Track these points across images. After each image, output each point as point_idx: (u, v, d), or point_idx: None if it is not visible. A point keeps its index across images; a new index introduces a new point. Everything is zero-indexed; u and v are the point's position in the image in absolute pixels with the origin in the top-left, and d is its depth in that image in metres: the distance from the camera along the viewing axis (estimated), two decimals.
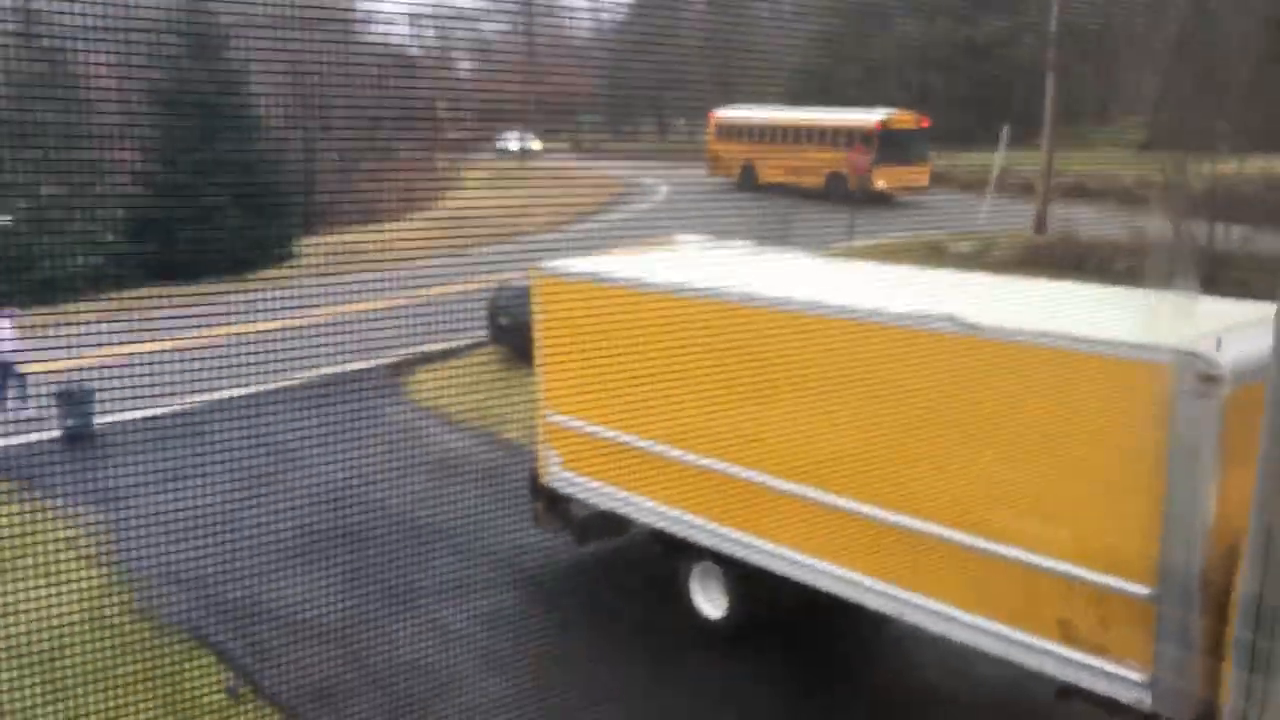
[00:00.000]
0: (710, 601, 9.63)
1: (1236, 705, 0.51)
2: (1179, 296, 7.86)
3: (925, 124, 30.39)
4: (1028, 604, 7.19)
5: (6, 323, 15.45)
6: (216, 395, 16.58)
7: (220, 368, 17.71)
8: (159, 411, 15.98)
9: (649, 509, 9.57)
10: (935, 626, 7.85)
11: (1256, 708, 0.49)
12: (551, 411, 10.27)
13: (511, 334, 16.21)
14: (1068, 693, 7.21)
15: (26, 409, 15.26)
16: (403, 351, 17.87)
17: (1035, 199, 24.17)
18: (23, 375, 15.36)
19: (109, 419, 15.13)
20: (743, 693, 8.85)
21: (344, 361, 17.77)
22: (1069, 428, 6.89)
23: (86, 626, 9.77)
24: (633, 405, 9.33)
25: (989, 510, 7.33)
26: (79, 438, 14.36)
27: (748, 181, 32.58)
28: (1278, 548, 0.47)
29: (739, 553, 8.90)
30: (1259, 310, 6.50)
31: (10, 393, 15.42)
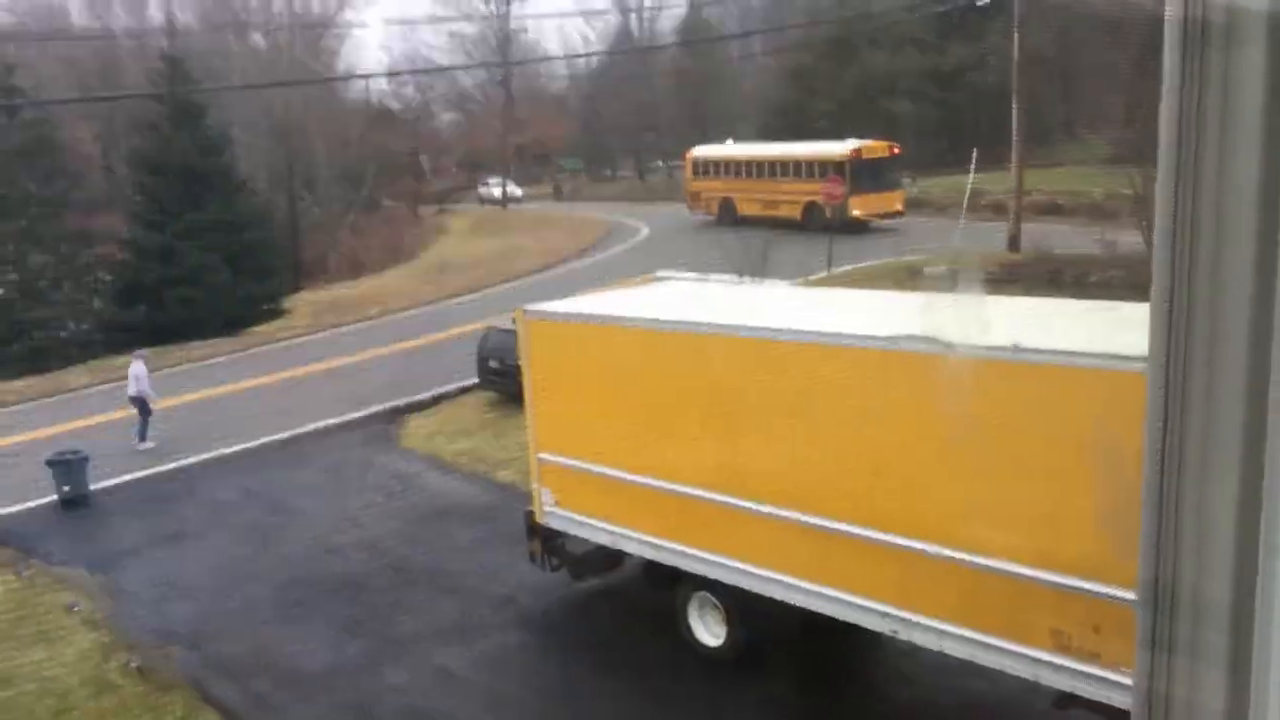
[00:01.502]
0: (708, 630, 9.73)
1: (1142, 682, 0.61)
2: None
3: (896, 151, 30.91)
4: (1020, 616, 7.32)
5: (140, 363, 17.02)
6: (212, 454, 16.69)
7: (214, 425, 17.73)
8: (154, 471, 16.09)
9: (643, 541, 9.71)
10: (931, 643, 7.97)
11: (1162, 684, 0.60)
12: (543, 451, 10.42)
13: (501, 377, 16.37)
14: (1065, 702, 7.33)
15: (148, 443, 16.81)
16: (395, 401, 18.03)
17: (1008, 218, 24.58)
18: (151, 412, 16.97)
19: (108, 482, 15.27)
20: (745, 716, 8.95)
21: (336, 414, 17.89)
22: (1054, 439, 7.06)
23: (87, 690, 9.84)
24: (622, 440, 9.50)
25: (977, 525, 7.47)
26: (74, 503, 14.49)
27: (727, 216, 32.99)
28: (1168, 531, 0.58)
29: (734, 580, 9.02)
30: None
31: (145, 424, 16.98)
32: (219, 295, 24.71)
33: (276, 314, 25.16)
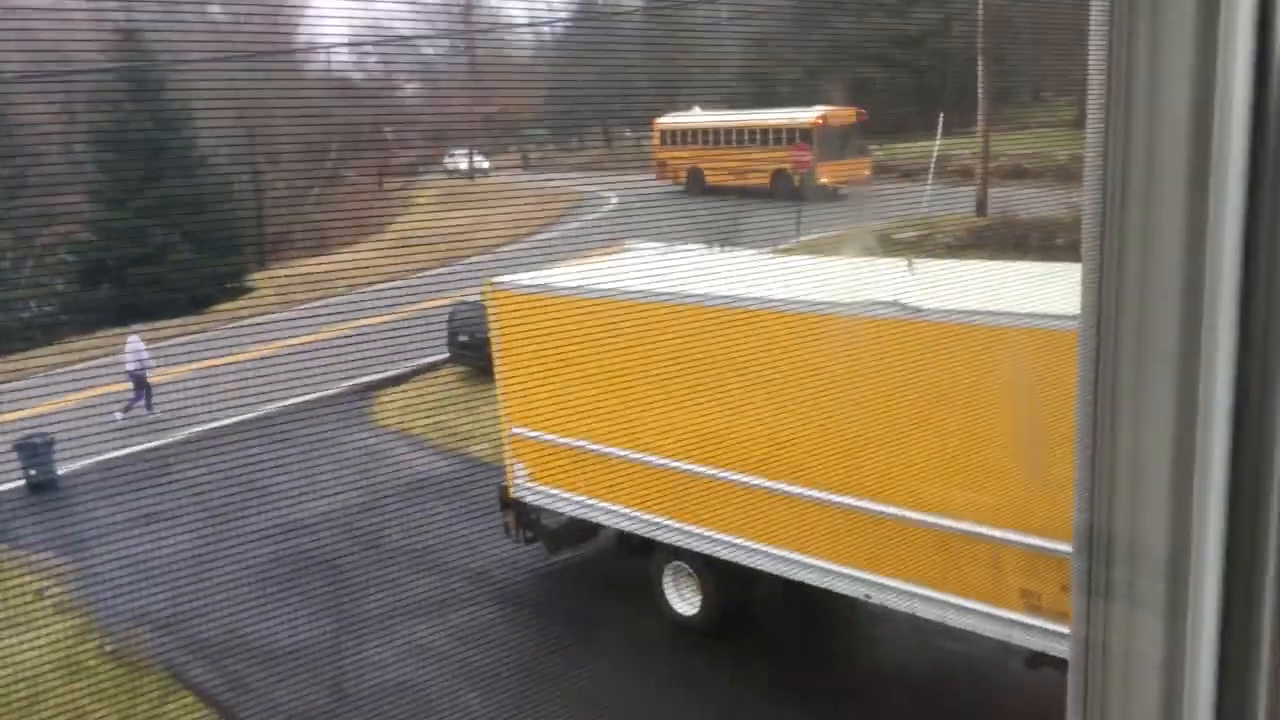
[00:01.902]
0: (683, 599, 9.82)
1: (1079, 630, 0.62)
2: None
3: (863, 117, 30.94)
4: (991, 577, 7.44)
5: (137, 339, 17.36)
6: (182, 434, 16.55)
7: (183, 405, 17.62)
8: (125, 453, 15.95)
9: (617, 513, 9.76)
10: (903, 606, 8.09)
11: (1099, 630, 0.60)
12: (515, 425, 10.42)
13: (472, 351, 16.34)
14: (1037, 660, 7.46)
15: (151, 413, 17.16)
16: (364, 377, 17.94)
17: (974, 183, 24.70)
18: (149, 385, 17.27)
19: (73, 466, 15.13)
20: (722, 685, 9.04)
21: (306, 390, 17.81)
22: (1022, 401, 7.14)
23: (61, 674, 9.79)
24: (594, 412, 9.51)
25: (947, 488, 7.57)
26: (42, 486, 14.37)
27: (695, 185, 32.94)
28: (1102, 480, 0.59)
29: (707, 549, 9.10)
30: None
31: (141, 398, 17.29)
32: (183, 273, 24.45)
33: (242, 291, 24.91)
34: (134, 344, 17.13)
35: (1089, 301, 0.67)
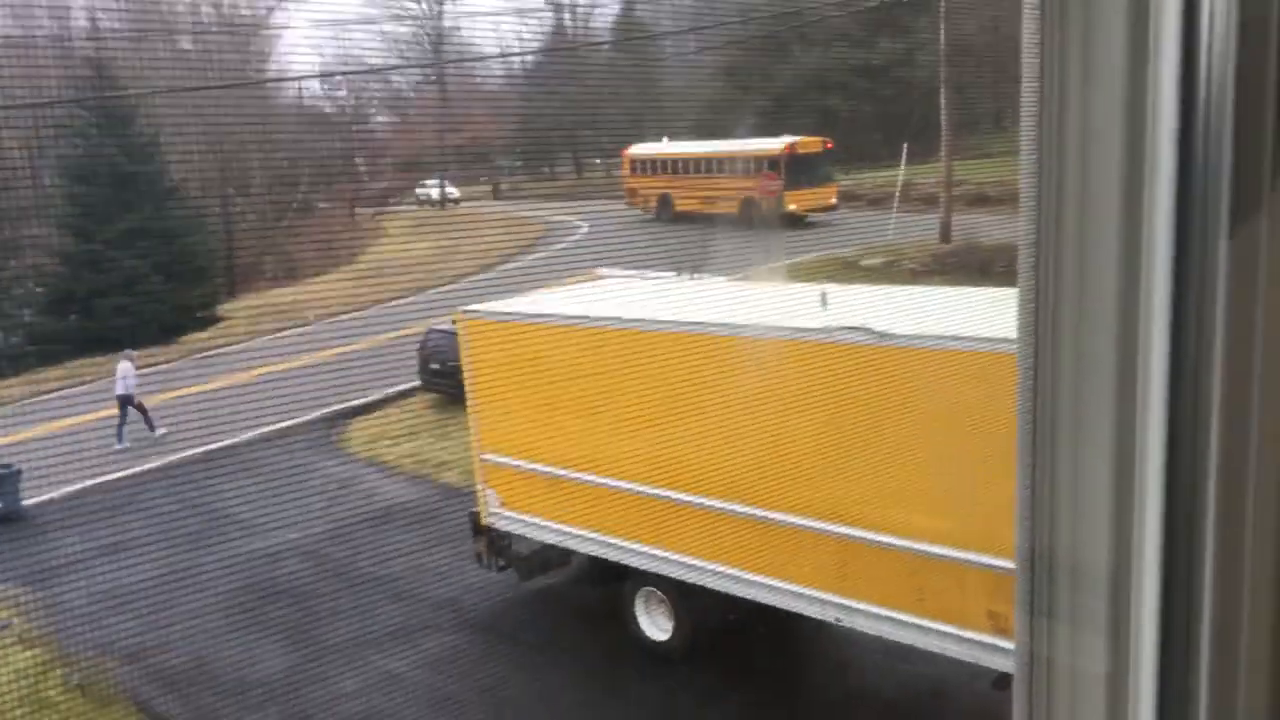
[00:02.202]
0: (655, 624, 9.83)
1: (1023, 648, 0.66)
2: None
3: (829, 146, 31.29)
4: (958, 600, 7.51)
5: (127, 363, 17.22)
6: (151, 464, 16.41)
7: (150, 434, 17.42)
8: (92, 483, 15.77)
9: (588, 539, 9.77)
10: (872, 629, 8.15)
11: (1043, 648, 0.64)
12: (486, 451, 10.43)
13: (443, 378, 16.31)
14: (1004, 681, 7.52)
15: (155, 433, 17.08)
16: (335, 405, 17.84)
17: (939, 209, 25.02)
18: (143, 407, 17.22)
19: (45, 496, 14.92)
20: (695, 709, 9.05)
21: (277, 419, 17.70)
22: (985, 425, 7.24)
23: (26, 708, 9.63)
24: (565, 438, 9.55)
25: (914, 512, 7.65)
26: (7, 519, 14.16)
27: (665, 213, 33.14)
28: (1041, 499, 0.62)
29: (678, 574, 9.13)
30: None
31: (128, 419, 17.20)
32: (152, 303, 24.25)
33: (212, 321, 24.74)
34: (125, 368, 17.11)
35: (1026, 326, 0.72)
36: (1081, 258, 0.68)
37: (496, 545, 10.61)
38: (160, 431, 16.96)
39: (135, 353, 18.43)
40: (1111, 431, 0.69)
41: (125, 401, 16.83)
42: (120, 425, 16.82)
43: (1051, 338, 0.70)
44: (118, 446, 16.69)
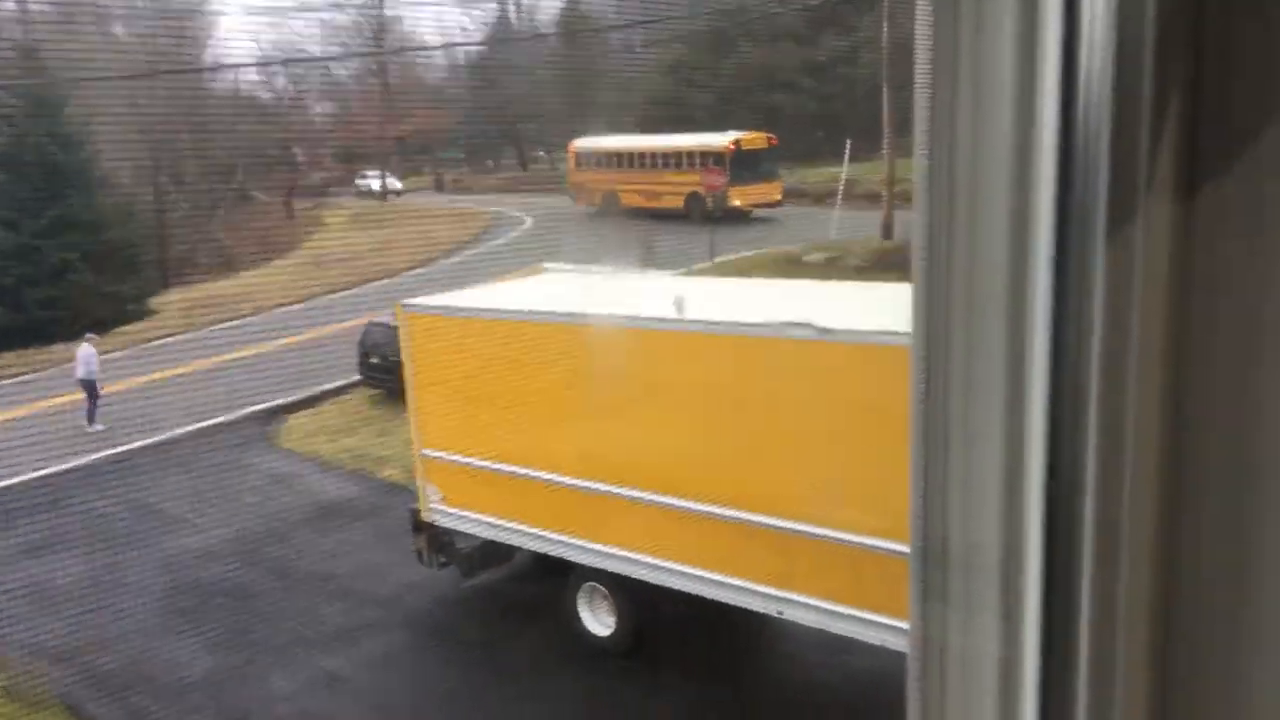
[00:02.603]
0: (598, 620, 9.84)
1: (916, 632, 0.68)
2: None
3: (774, 143, 31.55)
4: (899, 592, 7.61)
5: (88, 345, 17.15)
6: (79, 461, 16.02)
7: (81, 431, 17.08)
8: (17, 480, 15.38)
9: (530, 534, 9.74)
10: (813, 621, 8.24)
11: (938, 632, 0.65)
12: (427, 447, 10.34)
13: (383, 373, 16.15)
14: None
15: (98, 425, 16.92)
16: (272, 400, 17.58)
17: (881, 206, 25.35)
18: (99, 394, 17.04)
19: None
20: (638, 704, 9.08)
21: (212, 414, 17.40)
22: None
23: None
24: (506, 434, 9.51)
25: (855, 505, 7.75)
26: None
27: (610, 207, 33.15)
28: (934, 490, 0.64)
29: (620, 569, 9.14)
30: None
31: (95, 404, 17.07)
32: (82, 295, 23.70)
33: (145, 313, 24.26)
34: (86, 351, 17.04)
35: (919, 322, 0.74)
36: (972, 256, 0.70)
37: (437, 542, 10.54)
38: (98, 427, 16.75)
39: (96, 336, 18.32)
40: (1000, 424, 0.71)
41: (89, 386, 16.81)
42: (91, 409, 16.82)
43: (944, 334, 0.71)
44: (90, 429, 16.69)
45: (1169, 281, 0.67)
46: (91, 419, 16.85)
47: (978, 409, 0.72)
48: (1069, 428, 0.69)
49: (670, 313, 8.57)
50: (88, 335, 17.62)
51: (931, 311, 0.72)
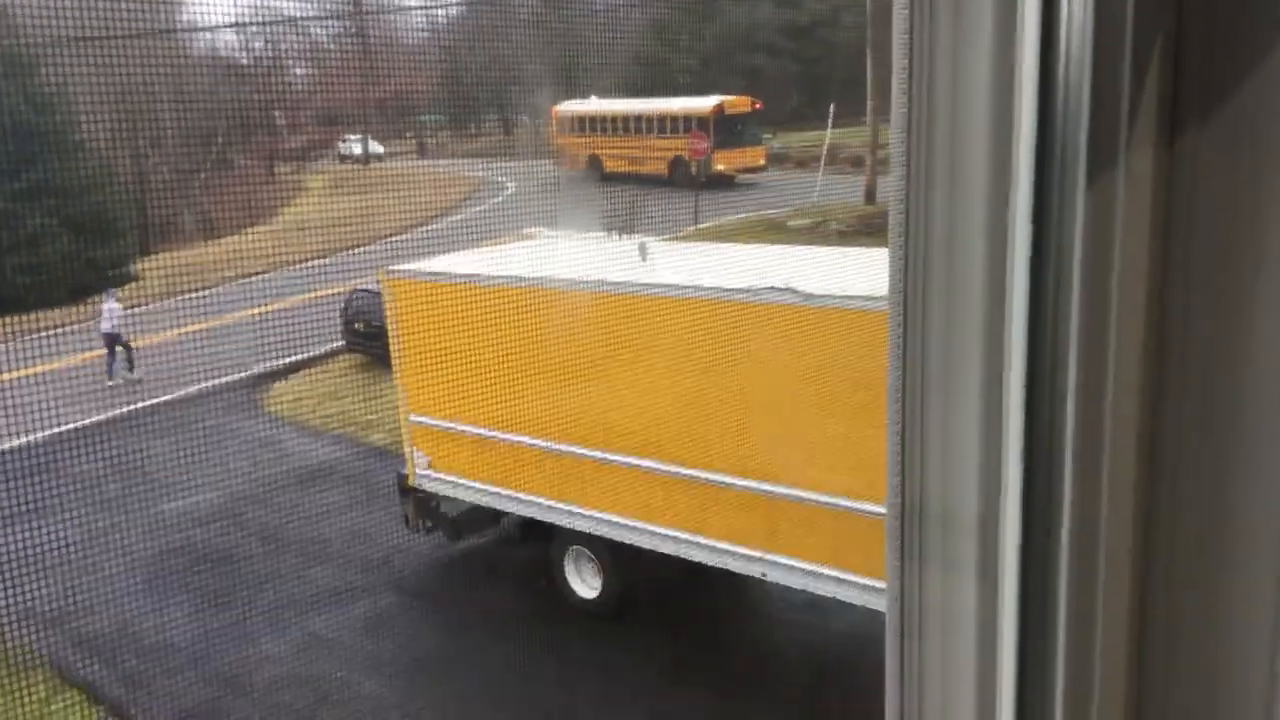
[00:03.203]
0: (585, 583, 9.91)
1: (894, 589, 0.68)
2: None
3: (758, 107, 31.35)
4: (881, 554, 7.69)
5: (112, 300, 17.31)
6: (67, 425, 15.95)
7: (69, 395, 16.97)
8: (10, 446, 15.33)
9: (517, 499, 9.78)
10: (798, 583, 8.32)
11: (915, 589, 0.66)
12: (414, 413, 10.35)
13: (368, 339, 16.11)
14: None
15: (133, 375, 17.21)
16: (257, 367, 17.52)
17: (865, 172, 25.29)
18: (129, 346, 17.28)
19: None
20: (626, 667, 9.17)
21: (196, 380, 17.36)
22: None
23: None
24: (493, 399, 9.51)
25: (838, 468, 7.80)
26: None
27: (594, 172, 32.94)
28: (912, 450, 0.64)
29: (606, 533, 9.20)
30: None
31: (118, 360, 17.27)
32: (61, 262, 23.47)
33: (126, 279, 24.03)
34: (109, 305, 17.14)
35: (896, 282, 0.74)
36: (950, 214, 0.70)
37: (424, 507, 10.57)
38: (117, 381, 17.02)
39: (118, 290, 18.61)
40: (979, 383, 0.71)
41: (112, 339, 16.96)
42: (110, 363, 16.97)
43: (921, 293, 0.72)
44: (109, 383, 16.81)
45: (1150, 230, 0.67)
46: (111, 373, 17.04)
47: (956, 367, 0.72)
48: (1048, 384, 0.70)
49: (635, 258, 8.58)
50: (110, 290, 17.85)
51: (909, 269, 0.73)
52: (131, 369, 17.19)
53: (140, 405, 16.19)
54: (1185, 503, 0.72)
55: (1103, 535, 0.71)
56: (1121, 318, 0.68)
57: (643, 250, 8.62)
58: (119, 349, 17.17)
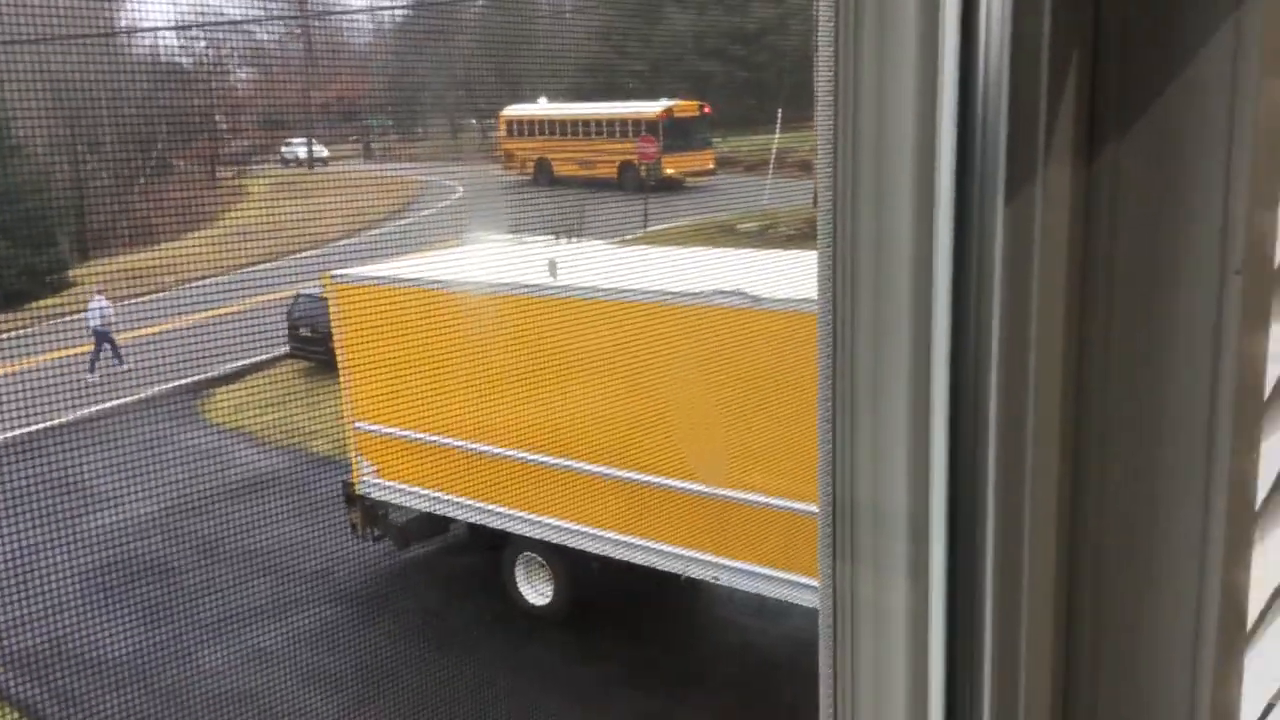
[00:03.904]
0: (535, 590, 9.86)
1: (826, 588, 0.69)
2: None
3: (707, 111, 31.51)
4: None
5: (102, 298, 17.34)
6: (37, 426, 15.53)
7: (121, 369, 16.53)
8: None
9: (466, 506, 9.72)
10: (749, 586, 8.36)
11: (847, 588, 0.67)
12: (359, 419, 10.23)
13: (312, 345, 15.93)
14: None
15: (122, 366, 17.11)
16: (198, 373, 17.22)
17: (813, 175, 25.51)
18: (116, 344, 17.27)
19: None
20: (578, 673, 9.13)
21: (135, 389, 17.04)
22: None
23: None
24: (439, 405, 9.44)
25: (787, 472, 7.85)
26: None
27: (542, 176, 32.88)
28: (843, 450, 0.65)
29: (556, 538, 9.17)
30: None
31: (105, 353, 17.22)
32: None
33: (63, 286, 23.52)
34: (97, 300, 17.09)
35: (825, 288, 0.75)
36: (878, 220, 0.71)
37: (372, 515, 10.46)
38: (96, 376, 17.03)
39: (105, 289, 18.64)
40: (908, 385, 0.73)
41: (100, 336, 17.07)
42: (95, 358, 16.97)
43: (851, 299, 0.73)
44: (90, 377, 16.64)
45: (1069, 241, 0.69)
46: (93, 368, 17.00)
47: (885, 369, 0.74)
48: (971, 386, 0.72)
49: (545, 276, 8.63)
50: (99, 287, 17.94)
51: (838, 275, 0.74)
52: (120, 362, 17.24)
53: (73, 416, 15.84)
54: (1108, 506, 0.73)
55: (1027, 535, 0.73)
56: (1042, 324, 0.69)
57: (552, 268, 8.68)
58: (106, 345, 17.27)
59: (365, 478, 10.37)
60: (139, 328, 18.20)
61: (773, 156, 22.19)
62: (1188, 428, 0.69)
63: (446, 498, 9.81)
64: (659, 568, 8.68)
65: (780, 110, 22.89)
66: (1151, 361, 0.69)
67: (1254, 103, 0.65)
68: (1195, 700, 0.73)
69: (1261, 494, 0.73)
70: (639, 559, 8.74)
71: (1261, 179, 0.66)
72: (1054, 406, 0.71)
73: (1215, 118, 0.66)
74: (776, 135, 22.90)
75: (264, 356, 17.61)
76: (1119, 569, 0.75)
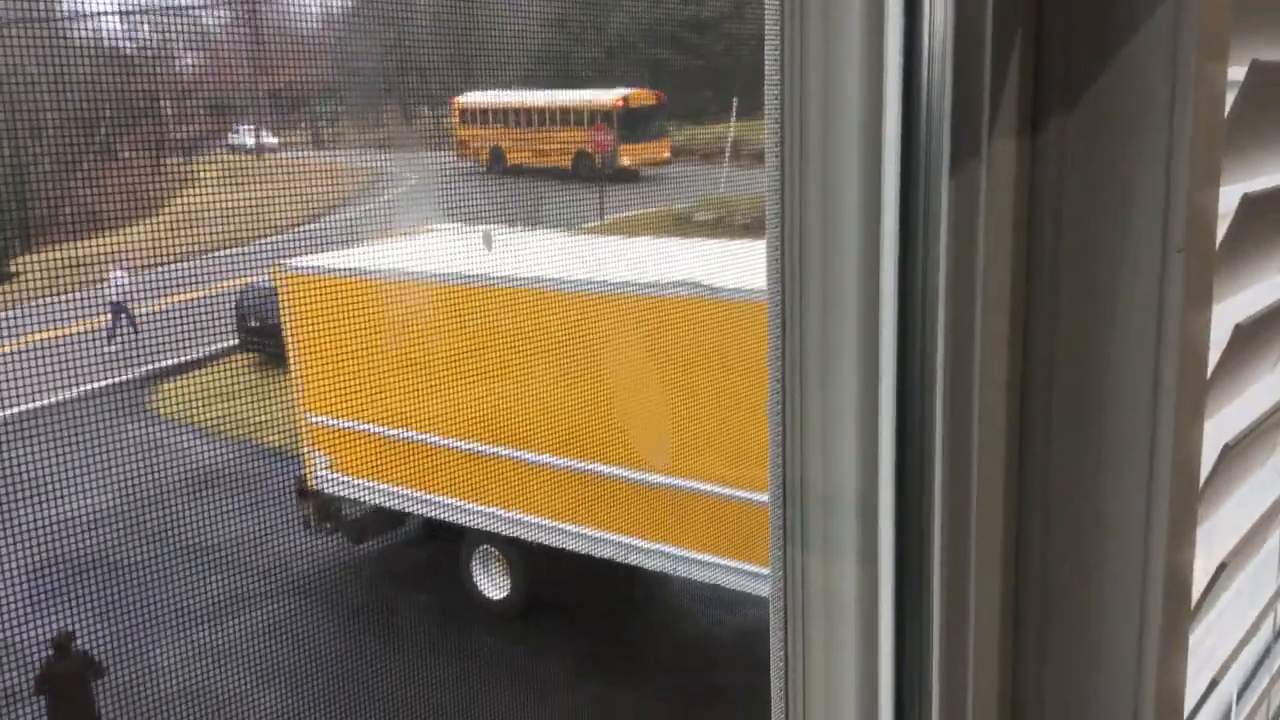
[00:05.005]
0: (493, 583, 9.83)
1: (778, 573, 0.68)
2: None
3: (662, 100, 31.49)
4: None
5: (121, 271, 17.20)
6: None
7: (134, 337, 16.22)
8: None
9: (421, 500, 9.66)
10: (707, 577, 8.40)
11: (798, 573, 0.67)
12: (312, 412, 10.12)
13: (263, 336, 15.74)
14: None
15: (136, 336, 16.67)
16: (144, 366, 16.93)
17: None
18: (131, 313, 17.08)
19: None
20: (536, 665, 9.12)
21: (79, 382, 16.71)
22: None
23: None
24: (393, 397, 9.36)
25: (743, 463, 7.89)
26: None
27: (497, 165, 32.68)
28: (793, 435, 0.65)
29: (513, 531, 9.15)
30: None
31: (122, 324, 16.99)
32: None
33: (4, 277, 23.04)
34: (116, 275, 16.97)
35: (774, 271, 0.75)
36: (825, 201, 0.71)
37: (325, 509, 10.36)
38: (114, 347, 16.87)
39: (123, 262, 18.41)
40: (856, 368, 0.72)
41: (118, 308, 16.95)
42: (112, 328, 16.80)
43: (799, 283, 0.73)
44: (109, 349, 16.47)
45: (1014, 218, 0.69)
46: (110, 339, 16.97)
47: (833, 349, 0.73)
48: (918, 365, 0.72)
49: (480, 247, 8.58)
50: (119, 261, 17.55)
51: (785, 260, 0.73)
52: (136, 332, 16.97)
53: (16, 410, 15.51)
54: (1053, 486, 0.73)
55: (974, 517, 0.73)
56: (987, 302, 0.70)
57: (487, 239, 8.60)
58: (123, 316, 17.14)
59: (319, 471, 10.27)
60: (82, 321, 17.85)
61: (728, 146, 22.26)
62: (1132, 406, 0.70)
63: (400, 490, 9.74)
64: (616, 559, 8.70)
65: (736, 99, 22.95)
66: (1096, 339, 0.70)
67: (1194, 82, 0.66)
68: (1142, 677, 0.74)
69: (1205, 472, 0.74)
70: (595, 550, 8.75)
71: (1202, 158, 0.67)
72: (1000, 385, 0.71)
73: (1156, 96, 0.66)
74: (732, 124, 22.98)
75: (213, 349, 17.36)
76: (1065, 549, 0.75)
